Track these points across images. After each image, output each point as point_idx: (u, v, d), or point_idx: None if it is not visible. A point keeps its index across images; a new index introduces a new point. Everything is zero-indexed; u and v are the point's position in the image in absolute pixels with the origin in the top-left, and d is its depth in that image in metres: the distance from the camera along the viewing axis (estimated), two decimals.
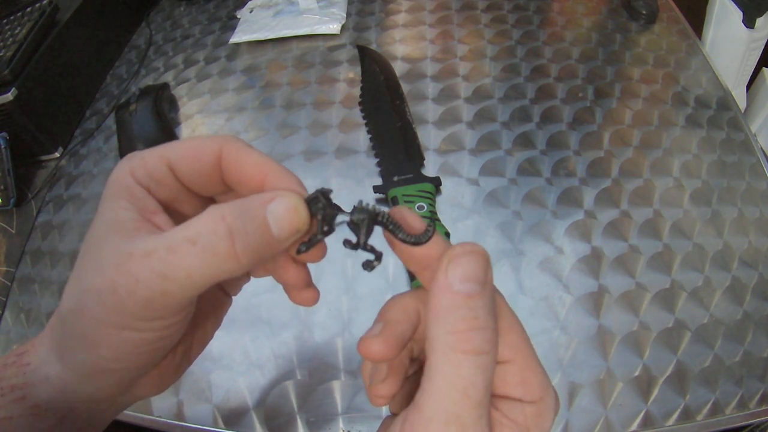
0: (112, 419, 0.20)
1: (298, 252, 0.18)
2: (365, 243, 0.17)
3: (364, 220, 0.17)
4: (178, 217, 0.19)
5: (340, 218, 0.17)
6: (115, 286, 0.15)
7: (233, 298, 0.23)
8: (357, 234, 0.17)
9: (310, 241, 0.17)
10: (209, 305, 0.22)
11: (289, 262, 0.19)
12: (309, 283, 0.20)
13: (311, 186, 0.17)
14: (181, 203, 0.19)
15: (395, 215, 0.17)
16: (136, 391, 0.19)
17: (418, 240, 0.17)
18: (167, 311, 0.16)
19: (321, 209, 0.17)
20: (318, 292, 0.21)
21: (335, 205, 0.17)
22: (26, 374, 0.18)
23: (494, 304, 0.15)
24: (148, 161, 0.18)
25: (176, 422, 0.38)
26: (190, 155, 0.18)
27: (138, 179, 0.17)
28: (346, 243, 0.17)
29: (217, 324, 0.22)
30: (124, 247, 0.15)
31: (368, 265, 0.18)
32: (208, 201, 0.20)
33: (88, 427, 0.19)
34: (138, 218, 0.16)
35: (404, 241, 0.17)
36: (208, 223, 0.15)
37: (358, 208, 0.17)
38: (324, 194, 0.17)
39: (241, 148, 0.18)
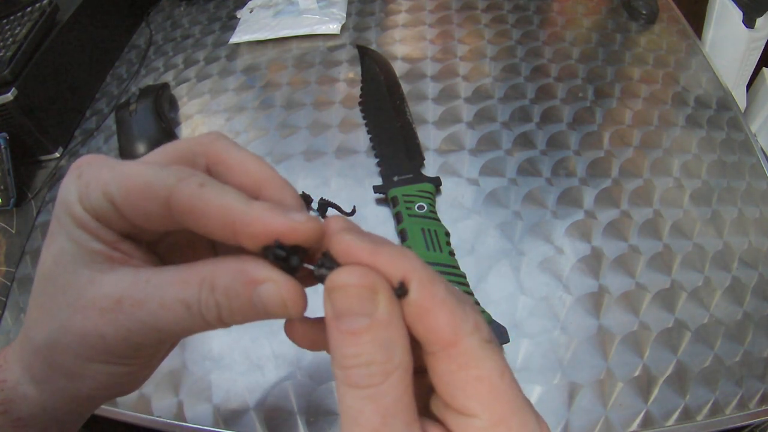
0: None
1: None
2: None
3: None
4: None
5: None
6: (101, 333, 0.15)
7: None
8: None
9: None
10: None
11: None
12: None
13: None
14: (143, 235, 0.16)
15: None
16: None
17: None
18: (156, 350, 0.17)
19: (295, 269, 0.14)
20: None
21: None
22: (4, 390, 0.17)
23: (391, 332, 0.13)
24: (91, 192, 0.15)
25: (176, 422, 0.38)
26: (136, 195, 0.14)
27: (87, 208, 0.15)
28: None
29: None
30: (106, 287, 0.15)
31: None
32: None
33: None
34: (105, 249, 0.15)
35: None
36: (202, 290, 0.14)
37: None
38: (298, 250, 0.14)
39: (195, 195, 0.14)
